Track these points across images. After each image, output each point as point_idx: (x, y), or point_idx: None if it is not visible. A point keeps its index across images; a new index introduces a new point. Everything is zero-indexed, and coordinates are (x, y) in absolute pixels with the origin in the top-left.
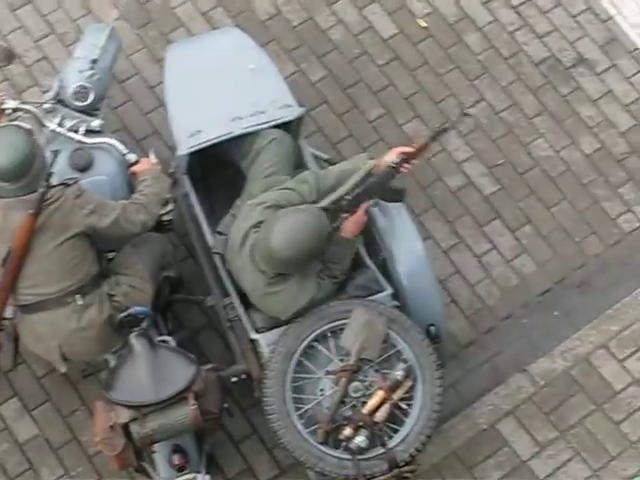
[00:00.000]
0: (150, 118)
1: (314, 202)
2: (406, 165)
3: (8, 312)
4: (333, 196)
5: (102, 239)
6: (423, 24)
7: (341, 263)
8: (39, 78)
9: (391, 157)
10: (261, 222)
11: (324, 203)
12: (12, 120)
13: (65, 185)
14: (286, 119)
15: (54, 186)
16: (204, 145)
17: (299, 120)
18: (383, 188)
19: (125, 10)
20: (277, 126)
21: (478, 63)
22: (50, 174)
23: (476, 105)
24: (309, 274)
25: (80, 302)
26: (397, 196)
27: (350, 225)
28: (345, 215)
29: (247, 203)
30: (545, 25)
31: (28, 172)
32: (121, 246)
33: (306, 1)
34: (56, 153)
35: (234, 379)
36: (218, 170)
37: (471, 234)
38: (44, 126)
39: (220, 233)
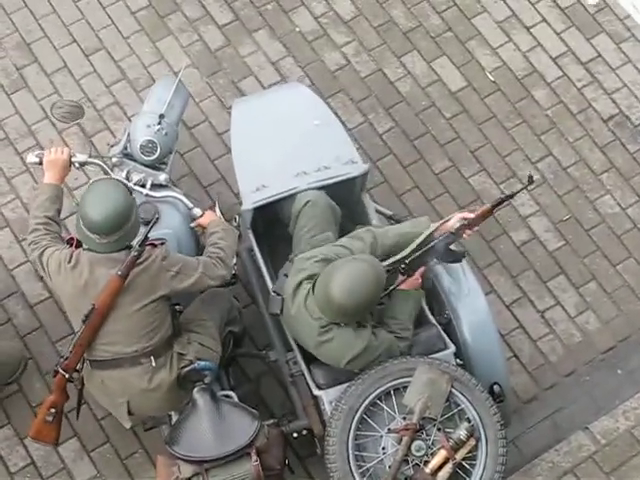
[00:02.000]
0: (217, 164)
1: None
2: (467, 231)
3: None
4: (392, 259)
5: (180, 296)
6: (491, 78)
7: (399, 318)
8: (109, 123)
9: (453, 222)
10: (313, 275)
11: (385, 264)
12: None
13: (153, 246)
14: (351, 175)
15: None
16: (269, 200)
17: (364, 176)
18: (442, 251)
19: (196, 58)
20: (341, 182)
21: (546, 118)
22: (146, 240)
23: (543, 160)
24: (365, 325)
25: (153, 364)
26: (456, 258)
27: (405, 285)
28: (402, 278)
29: (297, 257)
30: (614, 82)
31: (121, 228)
32: (189, 301)
33: (375, 53)
34: (157, 218)
35: (295, 435)
36: (280, 225)
37: (535, 289)
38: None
39: (276, 293)
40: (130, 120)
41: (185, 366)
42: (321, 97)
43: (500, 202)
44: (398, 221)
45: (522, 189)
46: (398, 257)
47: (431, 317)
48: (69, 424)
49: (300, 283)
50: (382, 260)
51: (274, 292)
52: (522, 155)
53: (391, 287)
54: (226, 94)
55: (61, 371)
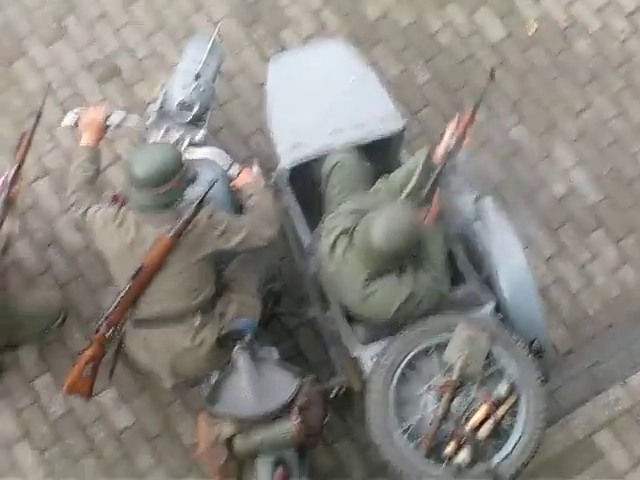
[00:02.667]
0: (256, 116)
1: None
2: (463, 144)
3: None
4: (405, 191)
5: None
6: (533, 29)
7: (430, 258)
8: (148, 73)
9: (445, 141)
10: (347, 229)
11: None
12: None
13: (199, 204)
14: (388, 132)
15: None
16: (305, 160)
17: (401, 133)
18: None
19: (235, 8)
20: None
21: (587, 70)
22: (203, 199)
23: (583, 112)
24: (406, 271)
25: (198, 321)
26: (452, 170)
27: (429, 217)
28: (424, 209)
29: (327, 218)
30: None
31: (166, 182)
32: (229, 261)
33: (415, 3)
34: (213, 183)
35: (334, 393)
36: (317, 182)
37: (574, 243)
38: (150, 138)
39: (311, 253)
40: (169, 72)
41: (225, 325)
42: (359, 50)
43: (477, 105)
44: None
45: (487, 84)
46: (408, 189)
47: (471, 273)
48: (107, 375)
49: (335, 240)
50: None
51: (309, 253)
52: (562, 107)
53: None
54: (264, 44)
55: (104, 328)
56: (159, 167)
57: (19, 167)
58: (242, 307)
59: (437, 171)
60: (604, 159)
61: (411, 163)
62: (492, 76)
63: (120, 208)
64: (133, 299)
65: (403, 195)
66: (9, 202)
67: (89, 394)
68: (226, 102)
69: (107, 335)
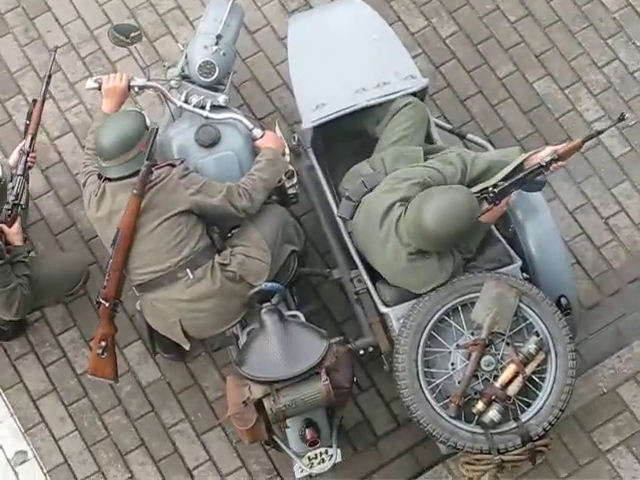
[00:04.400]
0: (279, 69)
1: (462, 184)
2: (555, 165)
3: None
4: (481, 185)
5: (211, 217)
6: None
7: (472, 243)
8: (172, 27)
9: (543, 155)
10: (408, 197)
11: (473, 190)
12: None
13: (171, 166)
14: (410, 90)
15: (161, 167)
16: (329, 118)
17: (423, 91)
18: (529, 181)
19: None
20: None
21: (613, 21)
22: (152, 154)
23: (609, 64)
24: (447, 252)
25: (191, 276)
26: (538, 187)
27: (490, 215)
28: (488, 206)
29: (389, 176)
30: None
31: (127, 151)
32: (240, 222)
33: None
34: (155, 131)
35: (361, 352)
36: (340, 142)
37: (599, 195)
38: (171, 102)
39: (349, 198)
40: (191, 27)
41: (232, 279)
42: (383, 2)
43: (590, 137)
44: (458, 134)
45: (612, 126)
46: (487, 184)
47: (496, 232)
48: (134, 328)
49: (394, 204)
50: (469, 186)
51: (347, 197)
52: (588, 59)
53: (477, 216)
54: None
55: (101, 300)
56: (120, 135)
57: (33, 137)
58: (247, 259)
59: (520, 176)
60: (629, 111)
61: (496, 156)
62: (620, 119)
63: (101, 182)
64: (120, 266)
65: (479, 187)
66: (26, 171)
67: (113, 376)
68: (250, 56)
69: (109, 307)
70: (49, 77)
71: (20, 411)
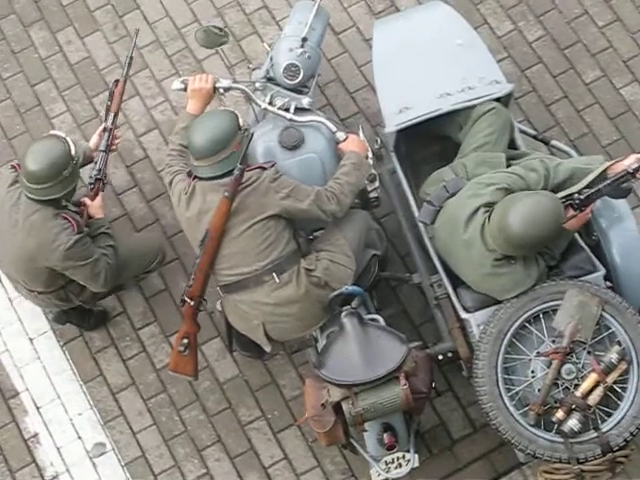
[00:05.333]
0: (364, 71)
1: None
2: None
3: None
4: (565, 192)
5: (299, 220)
6: None
7: (555, 250)
8: (258, 27)
9: (630, 162)
10: (492, 203)
11: (557, 196)
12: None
13: (262, 168)
14: (495, 95)
15: (252, 169)
16: (413, 122)
17: (508, 96)
18: (615, 188)
19: None
20: None
21: None
22: (245, 157)
23: None
24: (532, 258)
25: (277, 280)
26: (624, 194)
27: (575, 222)
28: (573, 213)
29: (472, 181)
30: None
31: (221, 151)
32: (324, 225)
33: None
34: (251, 136)
35: (440, 357)
36: (423, 146)
37: None
38: (256, 104)
39: (430, 203)
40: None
41: (317, 284)
42: (470, 5)
43: None
44: (542, 140)
45: None
46: (572, 190)
47: (580, 240)
48: (213, 325)
49: (478, 209)
50: (553, 192)
51: (428, 202)
52: None
53: (563, 222)
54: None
55: (186, 298)
56: (214, 135)
57: (116, 115)
58: (332, 264)
59: (605, 184)
60: None
61: (580, 163)
62: None
63: (192, 180)
64: (207, 266)
65: (563, 193)
66: (110, 149)
67: (194, 373)
68: (335, 57)
69: (193, 306)
70: (131, 58)
71: (100, 404)
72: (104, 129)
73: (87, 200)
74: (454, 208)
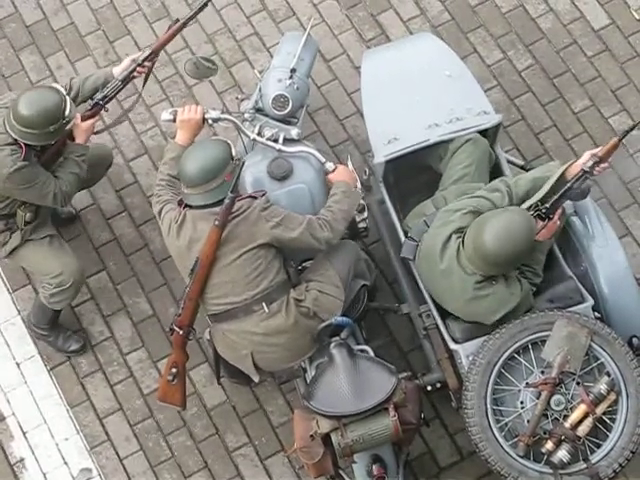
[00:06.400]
0: (354, 98)
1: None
2: (598, 168)
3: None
4: (528, 202)
5: (291, 250)
6: (637, 16)
7: (535, 265)
8: (249, 53)
9: (584, 160)
10: (462, 227)
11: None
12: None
13: (253, 198)
14: (483, 127)
15: (243, 198)
16: (401, 153)
17: (496, 127)
18: (573, 191)
19: None
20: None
21: None
22: (236, 186)
23: None
24: (512, 277)
25: (266, 310)
26: (583, 195)
27: (546, 232)
28: (542, 223)
29: (442, 210)
30: None
31: (212, 179)
32: (314, 255)
33: None
34: (242, 165)
35: (429, 388)
36: (411, 176)
37: None
38: (244, 135)
39: (411, 239)
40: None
41: (306, 315)
42: (460, 34)
43: (626, 132)
44: (529, 170)
45: None
46: (533, 200)
47: (568, 270)
48: (201, 351)
49: (450, 236)
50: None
51: (409, 237)
52: None
53: (535, 235)
54: (364, 27)
55: (175, 328)
56: (206, 163)
57: (152, 53)
58: (321, 295)
59: (566, 187)
60: None
61: (537, 173)
62: None
63: (182, 209)
64: (197, 295)
65: (526, 204)
66: (127, 80)
67: (182, 403)
68: (324, 84)
69: (182, 335)
70: (205, 4)
71: (86, 429)
72: (133, 60)
73: (78, 117)
74: (428, 240)
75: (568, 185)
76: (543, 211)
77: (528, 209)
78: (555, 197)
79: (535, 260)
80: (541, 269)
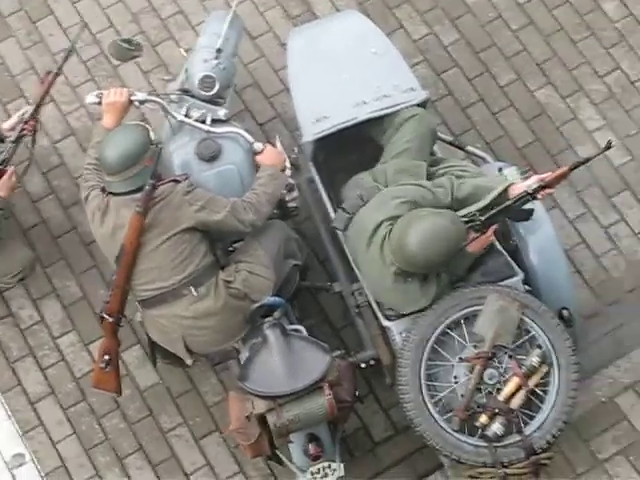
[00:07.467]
0: (281, 75)
1: (449, 208)
2: (542, 192)
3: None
4: (465, 210)
5: (217, 232)
6: None
7: (457, 270)
8: (174, 31)
9: (530, 183)
10: (396, 217)
11: (459, 214)
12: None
13: (175, 182)
14: (410, 103)
15: (165, 183)
16: (330, 131)
17: (423, 104)
18: (515, 210)
19: None
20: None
21: (615, 31)
22: (157, 172)
23: (610, 74)
24: (432, 278)
25: (194, 293)
26: (526, 216)
27: (477, 244)
28: (475, 235)
29: (381, 192)
30: None
31: (132, 166)
32: (243, 236)
33: None
34: (160, 150)
35: (363, 365)
36: (340, 154)
37: (599, 205)
38: (171, 117)
39: (344, 210)
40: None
41: (236, 296)
42: (386, 10)
43: (577, 165)
44: (458, 146)
45: (600, 153)
46: (472, 209)
47: (498, 245)
48: (133, 332)
49: (381, 223)
50: (456, 208)
51: (342, 208)
52: (589, 69)
53: (464, 244)
54: (290, 4)
55: (105, 315)
56: (125, 150)
57: (38, 106)
58: (251, 275)
59: (505, 205)
60: (630, 121)
61: (482, 182)
62: (608, 147)
63: (104, 197)
64: (124, 282)
65: (464, 211)
66: (19, 140)
67: (117, 389)
68: (251, 62)
69: (112, 322)
70: (69, 52)
71: (18, 414)
72: (19, 117)
73: None
74: (362, 219)
75: (508, 203)
76: (478, 224)
77: (465, 216)
78: (492, 212)
79: (459, 267)
80: (463, 272)
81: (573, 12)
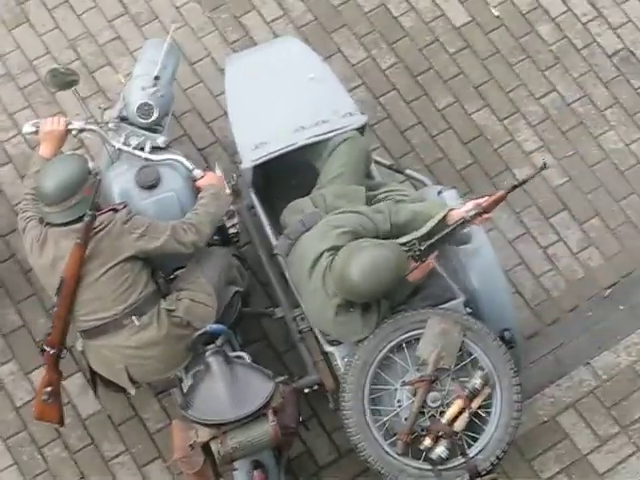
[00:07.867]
0: (220, 100)
1: (388, 234)
2: (480, 218)
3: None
4: (405, 238)
5: (159, 259)
6: (496, 13)
7: (398, 297)
8: (112, 58)
9: (467, 208)
10: (337, 247)
11: (400, 241)
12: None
13: (114, 210)
14: (349, 128)
15: (104, 213)
16: (269, 157)
17: (362, 128)
18: (454, 235)
19: None
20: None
21: (550, 53)
22: (96, 202)
23: (547, 96)
24: (373, 307)
25: (137, 323)
26: (464, 240)
27: (417, 272)
28: (415, 264)
29: (322, 221)
30: (619, 17)
31: (72, 197)
32: (185, 263)
33: None
34: (99, 180)
35: (306, 390)
36: (280, 180)
37: (538, 225)
38: (110, 145)
39: (286, 236)
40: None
41: (179, 325)
42: (324, 34)
43: (513, 188)
44: (397, 170)
45: (535, 174)
46: (413, 236)
47: (439, 268)
48: (74, 360)
49: (322, 253)
50: (396, 234)
51: (284, 235)
52: (526, 91)
53: (405, 274)
54: (228, 29)
55: (46, 347)
56: (63, 181)
57: None
58: (193, 304)
59: (444, 233)
60: (567, 142)
61: (420, 207)
62: (543, 168)
63: (43, 228)
64: (65, 314)
65: (404, 239)
66: None
67: (60, 420)
68: (190, 87)
69: (53, 354)
70: None
71: None
72: None
73: None
74: (304, 247)
75: (447, 231)
76: (417, 253)
77: (405, 244)
78: (431, 241)
79: (400, 294)
80: (404, 296)
81: (509, 35)
